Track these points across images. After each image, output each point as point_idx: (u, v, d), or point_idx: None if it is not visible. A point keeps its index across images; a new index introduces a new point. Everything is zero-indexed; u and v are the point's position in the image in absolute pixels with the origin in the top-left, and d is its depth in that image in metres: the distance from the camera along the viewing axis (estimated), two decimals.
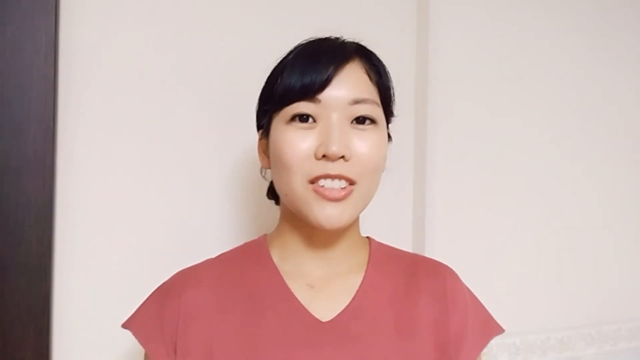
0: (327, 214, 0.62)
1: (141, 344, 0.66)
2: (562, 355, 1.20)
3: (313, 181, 0.62)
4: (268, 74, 0.69)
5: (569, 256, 1.25)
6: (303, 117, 0.63)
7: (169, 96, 0.93)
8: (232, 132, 0.96)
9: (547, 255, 1.22)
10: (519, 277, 1.18)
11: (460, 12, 1.13)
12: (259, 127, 0.72)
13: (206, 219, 0.95)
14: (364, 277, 0.69)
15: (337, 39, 0.69)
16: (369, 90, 0.65)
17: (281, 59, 0.68)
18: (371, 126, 0.64)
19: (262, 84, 0.70)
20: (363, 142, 0.63)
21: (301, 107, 0.62)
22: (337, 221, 0.63)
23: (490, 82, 1.16)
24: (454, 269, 0.76)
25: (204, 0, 0.95)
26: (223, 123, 0.96)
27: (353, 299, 0.67)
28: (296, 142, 0.62)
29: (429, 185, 1.09)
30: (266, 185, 0.78)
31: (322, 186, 0.62)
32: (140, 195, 0.91)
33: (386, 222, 1.08)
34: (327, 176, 0.62)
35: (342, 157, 0.61)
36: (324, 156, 0.61)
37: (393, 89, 0.71)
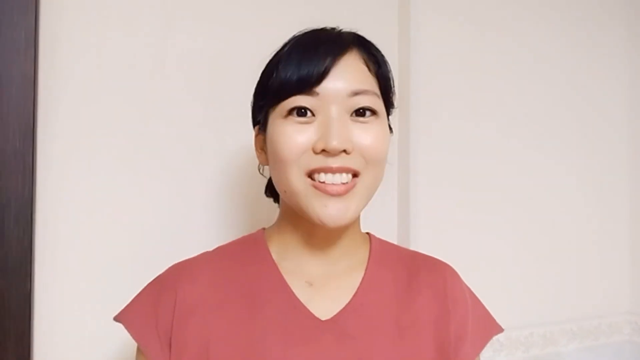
0: (330, 212, 0.60)
1: (134, 338, 0.65)
2: (545, 350, 1.22)
3: (311, 174, 0.61)
4: (260, 69, 0.67)
5: (550, 253, 1.26)
6: (301, 111, 0.60)
7: (154, 92, 0.92)
8: (224, 127, 0.96)
9: (529, 252, 1.23)
10: (501, 274, 1.20)
11: (442, 11, 1.14)
12: (255, 123, 0.70)
13: (194, 218, 0.94)
14: (365, 275, 0.68)
15: (333, 29, 0.67)
16: (369, 81, 0.63)
17: (275, 52, 0.66)
18: (372, 117, 0.62)
19: (255, 79, 0.68)
20: (365, 133, 0.61)
21: (298, 100, 0.60)
22: (340, 219, 0.61)
23: (473, 78, 1.17)
24: None
25: None
26: (213, 119, 0.96)
27: (353, 297, 0.66)
28: (293, 135, 0.60)
29: (412, 180, 1.10)
30: (261, 181, 0.77)
31: (323, 182, 0.60)
32: (123, 194, 0.89)
33: (371, 217, 1.08)
34: (327, 169, 0.60)
35: (344, 151, 0.59)
36: (323, 150, 0.59)
37: (392, 79, 0.69)
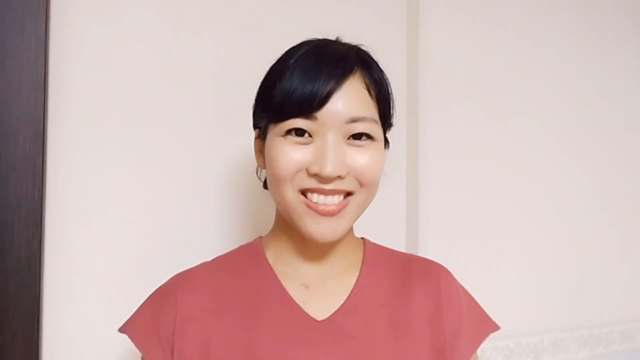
0: (321, 229, 0.62)
1: (138, 348, 0.66)
2: (556, 357, 1.20)
3: (304, 191, 0.62)
4: (263, 73, 0.68)
5: (561, 259, 1.25)
6: (299, 132, 0.62)
7: (161, 97, 0.92)
8: (226, 132, 0.96)
9: (540, 258, 1.22)
10: (512, 280, 1.19)
11: (450, 14, 1.13)
12: (255, 127, 0.71)
13: (200, 222, 0.94)
14: (359, 276, 0.70)
15: (338, 43, 0.67)
16: (368, 107, 0.64)
17: (279, 59, 0.67)
18: (368, 142, 0.64)
19: (257, 83, 0.69)
20: (360, 156, 0.63)
21: (297, 123, 0.61)
22: (330, 236, 0.63)
23: (482, 83, 1.16)
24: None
25: (197, 2, 0.95)
26: (217, 124, 0.96)
27: (348, 297, 0.67)
28: (289, 154, 0.62)
29: (421, 187, 1.09)
30: (261, 187, 0.77)
31: (316, 202, 0.62)
32: (132, 198, 0.90)
33: (379, 224, 1.08)
34: (320, 191, 0.62)
35: (338, 176, 0.61)
36: (316, 174, 0.61)
37: (393, 101, 0.69)
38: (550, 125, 1.25)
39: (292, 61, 0.64)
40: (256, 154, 0.71)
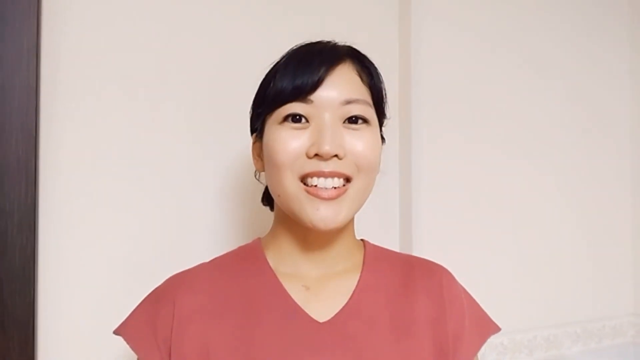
0: (322, 216, 0.62)
1: (134, 350, 0.65)
2: (549, 353, 1.22)
3: (304, 178, 0.63)
4: (259, 77, 0.69)
5: (554, 256, 1.26)
6: (296, 117, 0.63)
7: (155, 101, 0.92)
8: (223, 135, 0.96)
9: (532, 255, 1.23)
10: (504, 277, 1.20)
11: (443, 16, 1.14)
12: (252, 131, 0.72)
13: (196, 225, 0.94)
14: (360, 277, 0.69)
15: (328, 42, 0.69)
16: (361, 91, 0.65)
17: (274, 63, 0.69)
18: (364, 125, 0.64)
19: (254, 87, 0.70)
20: (357, 139, 0.63)
21: (293, 107, 0.63)
22: (332, 222, 0.62)
23: (474, 83, 1.17)
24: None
25: (192, 5, 0.95)
26: (213, 127, 0.96)
27: (349, 299, 0.67)
28: (288, 140, 0.62)
29: (414, 188, 1.10)
30: (258, 189, 0.78)
31: (315, 186, 0.62)
32: (126, 201, 0.90)
33: (373, 224, 1.08)
34: (320, 174, 0.62)
35: (336, 155, 0.62)
36: (316, 155, 0.61)
37: (385, 90, 0.71)
38: (540, 128, 1.26)
39: (284, 59, 0.67)
40: (254, 158, 0.72)
